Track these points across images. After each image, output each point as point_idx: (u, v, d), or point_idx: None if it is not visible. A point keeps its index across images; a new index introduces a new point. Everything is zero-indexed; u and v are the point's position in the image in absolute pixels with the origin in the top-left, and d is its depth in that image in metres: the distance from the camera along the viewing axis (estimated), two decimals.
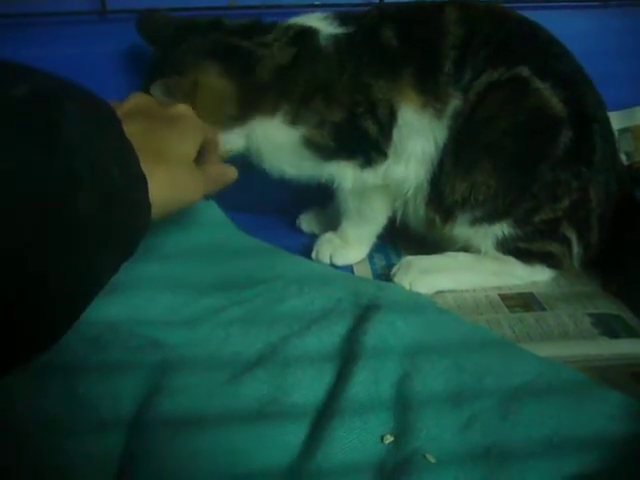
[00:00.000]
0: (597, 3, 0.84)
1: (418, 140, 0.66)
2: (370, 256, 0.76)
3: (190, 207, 0.49)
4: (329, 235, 0.75)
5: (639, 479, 0.43)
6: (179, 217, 0.67)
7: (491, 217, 0.66)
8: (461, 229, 0.68)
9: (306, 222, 0.83)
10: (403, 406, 0.48)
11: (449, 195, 0.67)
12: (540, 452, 0.44)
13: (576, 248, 0.68)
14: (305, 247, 0.76)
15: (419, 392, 0.49)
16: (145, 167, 0.36)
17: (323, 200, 0.79)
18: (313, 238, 0.77)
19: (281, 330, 0.56)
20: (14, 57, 0.31)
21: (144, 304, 0.59)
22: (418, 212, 0.71)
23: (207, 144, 0.53)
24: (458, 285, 0.68)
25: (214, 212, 0.73)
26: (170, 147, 0.45)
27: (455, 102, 0.64)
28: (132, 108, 0.48)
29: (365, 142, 0.66)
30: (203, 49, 0.64)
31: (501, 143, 0.64)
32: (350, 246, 0.74)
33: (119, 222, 0.33)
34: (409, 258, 0.68)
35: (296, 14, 0.69)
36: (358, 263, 0.74)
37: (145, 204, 0.36)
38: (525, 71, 0.64)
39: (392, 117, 0.65)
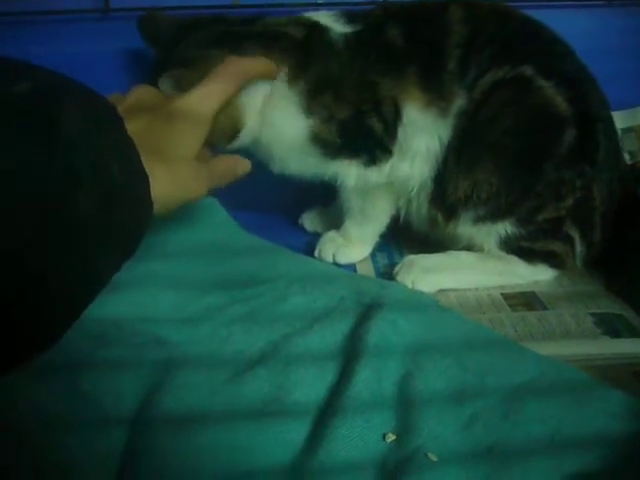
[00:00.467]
0: (601, 2, 0.84)
1: (423, 138, 0.66)
2: (373, 255, 0.76)
3: (193, 205, 0.48)
4: (332, 234, 0.75)
5: None
6: (182, 215, 0.67)
7: (494, 216, 0.66)
8: (464, 228, 0.68)
9: (309, 221, 0.83)
10: (405, 404, 0.48)
11: (452, 193, 0.66)
12: (542, 450, 0.44)
13: (579, 247, 0.68)
14: (308, 246, 0.76)
15: (421, 390, 0.49)
16: (146, 164, 0.36)
17: (326, 199, 0.79)
18: (316, 237, 0.77)
19: (283, 328, 0.56)
20: (16, 55, 0.31)
21: (147, 302, 0.59)
22: (421, 210, 0.71)
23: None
24: (460, 284, 0.68)
25: (217, 210, 0.73)
26: (172, 144, 0.45)
27: (459, 101, 0.64)
28: (134, 103, 0.48)
29: (370, 140, 0.66)
30: (207, 40, 0.64)
31: (504, 141, 0.64)
32: (353, 245, 0.74)
33: (120, 220, 0.33)
34: (412, 257, 0.68)
35: (299, 13, 0.69)
36: (361, 262, 0.74)
37: (147, 201, 0.36)
38: (529, 70, 0.63)
39: (397, 115, 0.65)
